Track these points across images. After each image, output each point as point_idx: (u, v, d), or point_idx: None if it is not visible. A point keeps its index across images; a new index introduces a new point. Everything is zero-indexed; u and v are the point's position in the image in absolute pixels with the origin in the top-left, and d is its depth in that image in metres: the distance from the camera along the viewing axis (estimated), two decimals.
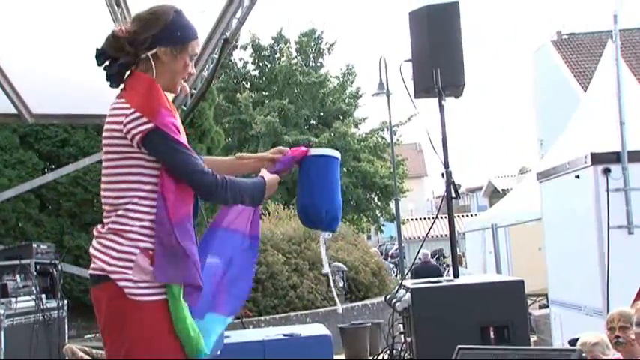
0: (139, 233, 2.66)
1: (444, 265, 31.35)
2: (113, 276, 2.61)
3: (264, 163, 3.12)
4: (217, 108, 19.18)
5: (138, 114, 2.63)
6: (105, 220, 2.72)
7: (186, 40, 2.83)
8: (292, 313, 11.39)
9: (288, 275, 12.01)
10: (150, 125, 2.62)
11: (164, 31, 2.78)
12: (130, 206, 2.67)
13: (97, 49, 2.86)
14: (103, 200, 2.75)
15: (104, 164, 2.76)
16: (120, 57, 2.80)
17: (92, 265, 2.69)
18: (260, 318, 10.94)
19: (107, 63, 2.84)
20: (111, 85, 2.85)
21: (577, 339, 4.33)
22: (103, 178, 2.75)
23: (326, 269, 3.19)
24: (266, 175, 2.96)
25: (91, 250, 2.71)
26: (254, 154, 3.28)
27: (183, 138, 2.72)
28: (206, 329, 2.84)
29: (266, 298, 11.59)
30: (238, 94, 24.28)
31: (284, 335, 5.88)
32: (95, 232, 2.73)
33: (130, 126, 2.63)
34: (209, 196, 2.76)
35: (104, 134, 2.74)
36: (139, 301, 2.60)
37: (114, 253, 2.64)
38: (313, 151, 3.06)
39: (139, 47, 2.77)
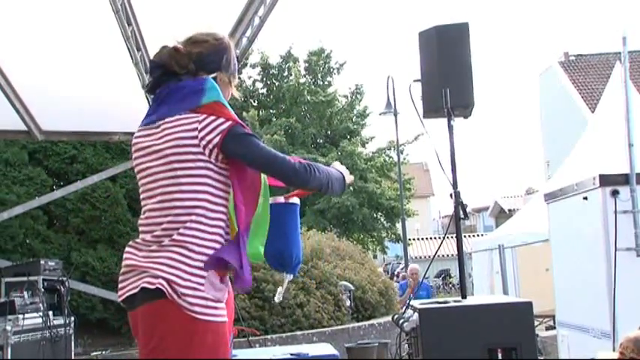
0: (209, 247, 2.63)
1: (450, 285, 31.31)
2: (186, 291, 2.54)
3: None
4: None
5: (213, 117, 2.67)
6: (158, 233, 2.64)
7: (236, 71, 2.97)
8: (299, 332, 11.35)
9: (295, 294, 11.98)
10: (229, 123, 2.67)
11: (227, 59, 2.88)
12: (200, 219, 2.63)
13: (154, 61, 2.86)
14: (156, 214, 2.68)
15: (161, 176, 2.69)
16: (180, 72, 2.81)
17: (148, 279, 2.58)
18: (267, 337, 10.90)
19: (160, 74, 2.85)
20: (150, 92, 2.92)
21: None
22: (159, 190, 2.68)
23: (278, 299, 3.32)
24: (337, 165, 3.13)
25: (143, 264, 2.61)
26: None
27: None
28: None
29: (273, 316, 11.55)
30: (245, 113, 24.35)
31: (291, 355, 5.86)
32: (150, 246, 2.64)
33: (206, 130, 2.65)
34: (294, 179, 2.80)
35: (167, 145, 2.67)
36: (206, 320, 2.55)
37: (187, 268, 2.57)
38: (282, 199, 3.17)
39: (201, 69, 2.82)
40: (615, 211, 6.31)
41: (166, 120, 2.73)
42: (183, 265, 2.58)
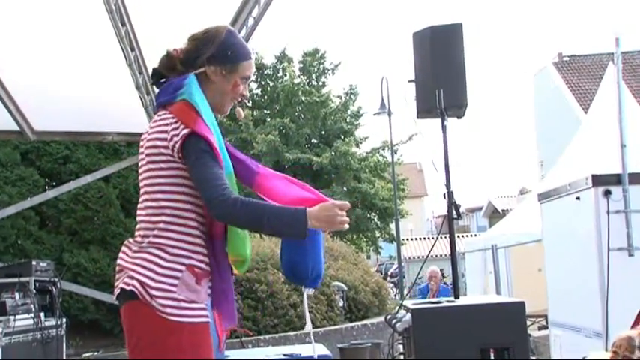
0: (183, 249, 2.62)
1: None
2: (157, 293, 2.55)
3: None
4: (219, 126, 19.20)
5: (179, 122, 2.63)
6: (141, 233, 2.66)
7: (236, 60, 2.82)
8: (292, 333, 11.35)
9: (288, 294, 11.98)
10: (187, 130, 2.60)
11: (215, 50, 2.79)
12: (173, 219, 2.63)
13: (153, 69, 2.90)
14: (141, 212, 2.71)
15: (144, 176, 2.72)
16: (171, 75, 2.82)
17: (127, 280, 2.60)
18: (259, 337, 10.90)
19: (162, 81, 2.87)
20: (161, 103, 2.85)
21: None
22: (143, 190, 2.71)
23: (308, 327, 3.17)
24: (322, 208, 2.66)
25: (126, 265, 2.63)
26: None
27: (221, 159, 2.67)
28: None
29: (266, 317, 11.55)
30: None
31: (284, 355, 5.85)
32: (133, 246, 2.66)
33: (173, 133, 2.63)
34: (214, 211, 2.57)
35: (146, 145, 2.71)
36: (179, 322, 2.55)
37: (159, 269, 2.58)
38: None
39: (189, 66, 2.79)
40: (608, 211, 6.31)
41: (154, 119, 2.77)
42: (155, 267, 2.59)
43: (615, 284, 6.08)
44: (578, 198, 6.76)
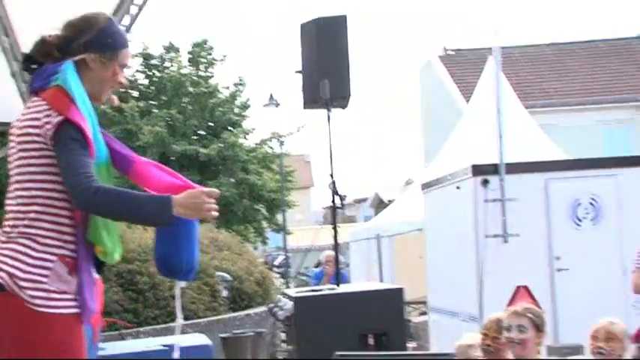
0: (55, 239, 2.55)
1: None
2: (26, 284, 2.47)
3: None
4: (103, 117, 18.69)
5: (52, 109, 2.55)
6: (10, 223, 2.58)
7: (116, 47, 2.76)
8: (173, 324, 11.16)
9: (169, 285, 11.75)
10: (61, 117, 2.52)
11: (95, 38, 2.71)
12: (45, 209, 2.55)
13: (24, 54, 2.82)
14: (11, 202, 2.61)
15: (15, 164, 2.63)
16: (46, 62, 2.71)
17: None
18: (140, 329, 10.67)
19: (34, 67, 2.76)
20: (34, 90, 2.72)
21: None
22: (14, 179, 2.62)
23: (179, 321, 3.09)
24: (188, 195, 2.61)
25: None
26: None
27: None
28: None
29: (147, 309, 11.32)
30: (124, 104, 23.72)
31: (163, 346, 5.75)
32: (1, 237, 2.58)
33: (45, 120, 2.54)
34: (76, 199, 2.50)
35: (17, 133, 2.62)
36: (50, 313, 2.48)
37: (28, 260, 2.51)
38: None
39: (66, 53, 2.70)
40: (485, 200, 6.49)
41: (27, 105, 2.70)
42: (25, 257, 2.52)
43: (490, 269, 6.28)
44: (458, 187, 6.94)
